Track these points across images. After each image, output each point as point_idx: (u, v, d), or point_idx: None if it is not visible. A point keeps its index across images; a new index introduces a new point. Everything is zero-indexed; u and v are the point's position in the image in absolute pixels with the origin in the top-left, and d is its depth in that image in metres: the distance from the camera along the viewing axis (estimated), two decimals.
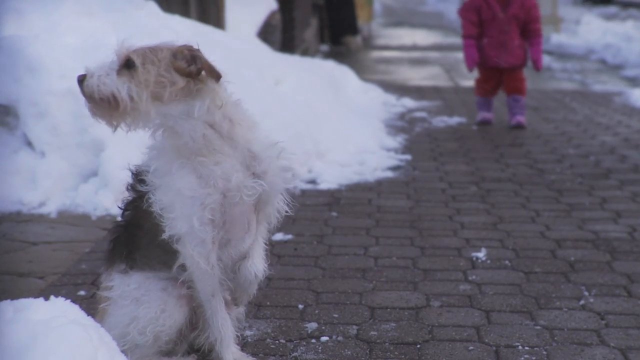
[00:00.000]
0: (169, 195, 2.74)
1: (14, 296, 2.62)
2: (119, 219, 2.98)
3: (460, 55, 14.90)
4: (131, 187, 2.91)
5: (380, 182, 5.77)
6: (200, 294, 2.84)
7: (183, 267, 2.80)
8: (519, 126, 7.63)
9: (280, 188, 2.90)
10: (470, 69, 7.74)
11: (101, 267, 3.04)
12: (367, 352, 3.14)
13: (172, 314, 2.82)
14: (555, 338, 3.26)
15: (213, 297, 2.85)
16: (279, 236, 4.51)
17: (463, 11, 7.74)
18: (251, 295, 3.05)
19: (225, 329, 2.88)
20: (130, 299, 2.81)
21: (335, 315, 3.47)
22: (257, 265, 2.95)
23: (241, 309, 3.14)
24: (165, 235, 2.76)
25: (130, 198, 2.92)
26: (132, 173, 2.91)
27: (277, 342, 3.22)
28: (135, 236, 2.86)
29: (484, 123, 7.84)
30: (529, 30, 7.56)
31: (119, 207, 2.98)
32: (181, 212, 2.73)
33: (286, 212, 2.97)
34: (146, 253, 2.84)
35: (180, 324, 2.85)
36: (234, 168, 2.77)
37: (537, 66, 7.59)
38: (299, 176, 5.78)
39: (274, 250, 4.30)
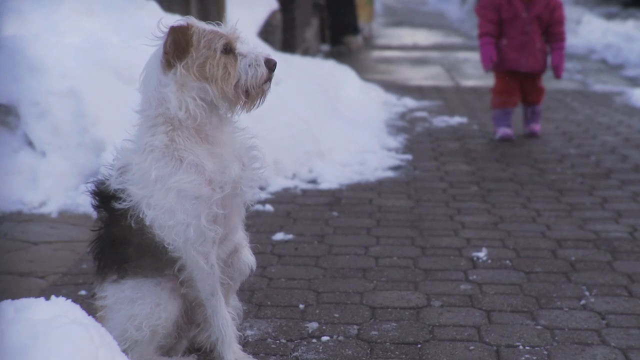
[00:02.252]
0: (168, 200, 2.70)
1: (15, 296, 2.62)
2: (97, 235, 2.91)
3: (461, 55, 14.94)
4: (102, 207, 2.85)
5: (381, 182, 5.77)
6: (200, 293, 2.85)
7: (181, 267, 2.80)
8: (534, 135, 7.18)
9: (257, 181, 2.92)
10: (487, 69, 7.01)
11: (92, 282, 3.04)
12: (368, 351, 3.14)
13: (167, 306, 2.82)
14: (556, 338, 3.26)
15: (213, 297, 2.85)
16: (279, 236, 4.51)
17: (480, 9, 7.10)
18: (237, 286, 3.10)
19: (226, 328, 2.89)
20: (126, 301, 2.81)
21: (336, 315, 3.47)
22: (250, 256, 3.01)
23: (240, 305, 3.14)
24: (166, 244, 2.74)
25: (105, 217, 2.86)
26: (97, 193, 2.85)
27: (278, 341, 3.22)
28: (124, 252, 2.82)
29: (505, 140, 7.08)
30: (551, 33, 6.97)
31: (92, 230, 2.93)
32: (185, 215, 2.70)
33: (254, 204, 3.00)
34: (138, 263, 2.82)
35: (175, 316, 2.85)
36: (230, 160, 2.78)
37: (557, 73, 6.99)
38: (299, 176, 5.79)
39: (274, 250, 4.30)
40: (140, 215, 2.73)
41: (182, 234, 2.72)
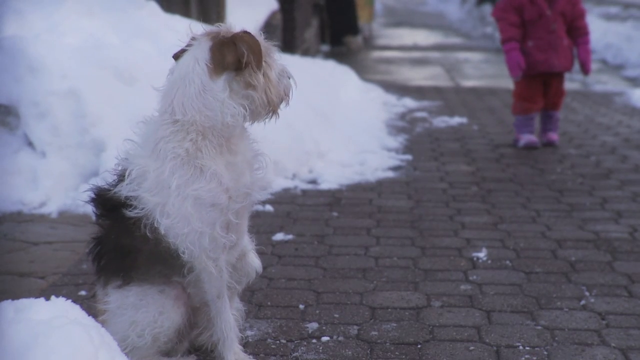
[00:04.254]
0: (184, 207, 2.67)
1: (15, 296, 2.62)
2: (98, 241, 2.87)
3: (461, 55, 14.94)
4: (107, 215, 2.82)
5: (381, 182, 5.77)
6: (206, 295, 2.84)
7: (189, 269, 2.79)
8: (552, 144, 6.85)
9: (265, 187, 2.93)
10: (517, 77, 6.61)
11: (93, 282, 3.03)
12: (368, 352, 3.14)
13: (170, 315, 2.81)
14: (556, 338, 3.26)
15: (218, 299, 2.85)
16: (279, 236, 4.51)
17: (499, 11, 6.68)
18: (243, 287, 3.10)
19: (229, 330, 2.89)
20: (130, 307, 2.79)
21: (336, 315, 3.47)
22: (256, 260, 3.01)
23: (240, 306, 3.14)
24: (181, 252, 2.72)
25: (107, 224, 2.83)
26: (100, 201, 2.82)
27: (277, 342, 3.22)
28: (132, 259, 2.79)
29: (530, 147, 6.75)
30: (575, 27, 6.66)
31: (93, 238, 2.89)
32: (200, 222, 2.68)
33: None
34: (145, 270, 2.79)
35: (178, 324, 2.85)
36: (243, 169, 2.78)
37: (586, 69, 6.70)
38: (299, 176, 5.79)
39: (274, 251, 4.30)
40: (155, 224, 2.70)
41: (197, 242, 2.70)
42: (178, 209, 2.67)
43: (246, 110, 2.72)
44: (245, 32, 2.69)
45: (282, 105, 2.82)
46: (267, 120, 2.82)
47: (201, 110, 2.67)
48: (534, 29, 6.62)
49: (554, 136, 6.93)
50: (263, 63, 2.68)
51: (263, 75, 2.70)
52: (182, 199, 2.67)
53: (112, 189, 2.78)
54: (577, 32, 6.71)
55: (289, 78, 2.80)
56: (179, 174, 2.67)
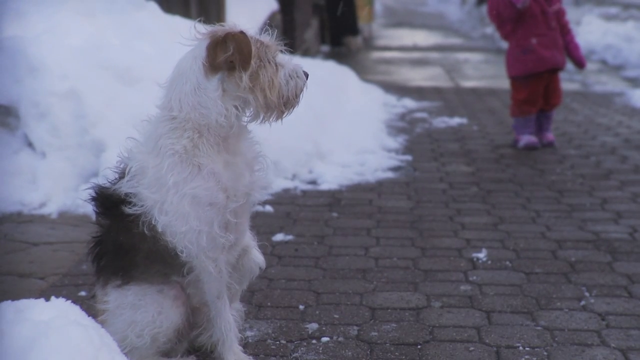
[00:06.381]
0: (182, 205, 2.67)
1: (15, 297, 2.62)
2: (98, 240, 2.87)
3: (460, 56, 14.94)
4: (107, 213, 2.82)
5: (380, 183, 5.77)
6: (206, 295, 2.84)
7: (189, 269, 2.79)
8: (551, 144, 6.84)
9: (266, 188, 2.93)
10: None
11: (93, 282, 3.03)
12: (368, 352, 3.14)
13: (169, 315, 2.81)
14: (556, 339, 3.26)
15: (218, 299, 2.85)
16: (279, 237, 4.51)
17: (497, 5, 6.64)
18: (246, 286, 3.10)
19: (228, 330, 2.89)
20: (129, 307, 2.79)
21: (336, 316, 3.47)
22: (259, 256, 3.02)
23: (240, 306, 3.14)
24: (179, 251, 2.72)
25: (108, 223, 2.83)
26: (101, 199, 2.82)
27: (277, 342, 3.22)
28: (131, 259, 2.79)
29: (529, 148, 6.74)
30: (561, 25, 6.74)
31: (92, 236, 2.89)
32: (198, 221, 2.68)
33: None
34: (145, 269, 2.79)
35: (177, 324, 2.85)
36: (242, 169, 2.78)
37: (582, 63, 6.82)
38: (299, 177, 5.79)
39: (274, 251, 4.30)
40: (153, 222, 2.70)
41: (195, 241, 2.71)
42: (176, 207, 2.68)
43: (239, 111, 2.72)
44: (240, 32, 2.68)
45: (287, 107, 2.78)
46: (272, 121, 2.81)
47: (196, 107, 2.68)
48: (536, 26, 6.63)
49: (551, 136, 6.93)
50: (252, 64, 2.66)
51: (252, 76, 2.67)
52: (180, 197, 2.68)
53: (112, 186, 2.79)
54: (564, 29, 6.79)
55: (303, 78, 2.77)
56: (177, 171, 2.68)
